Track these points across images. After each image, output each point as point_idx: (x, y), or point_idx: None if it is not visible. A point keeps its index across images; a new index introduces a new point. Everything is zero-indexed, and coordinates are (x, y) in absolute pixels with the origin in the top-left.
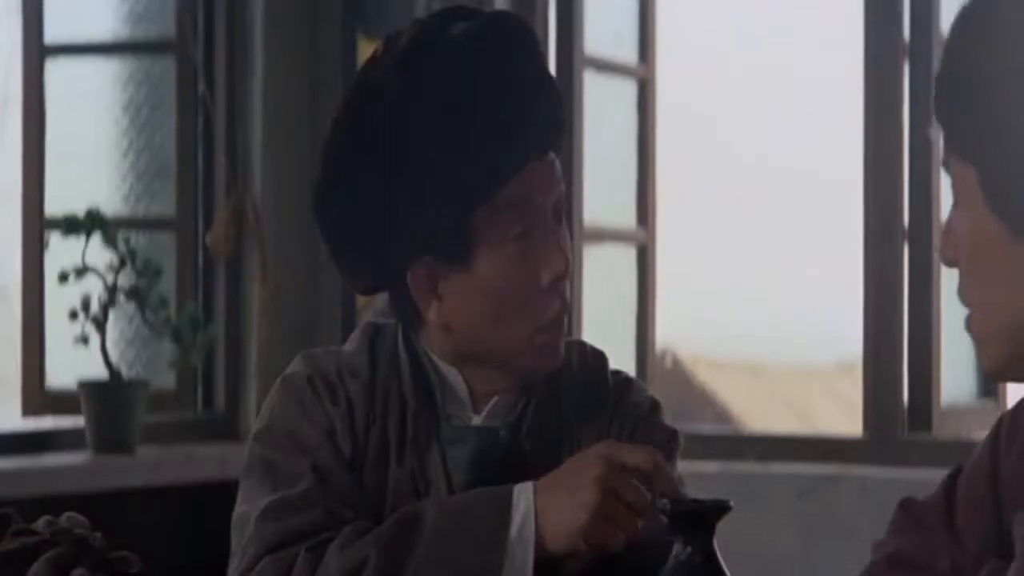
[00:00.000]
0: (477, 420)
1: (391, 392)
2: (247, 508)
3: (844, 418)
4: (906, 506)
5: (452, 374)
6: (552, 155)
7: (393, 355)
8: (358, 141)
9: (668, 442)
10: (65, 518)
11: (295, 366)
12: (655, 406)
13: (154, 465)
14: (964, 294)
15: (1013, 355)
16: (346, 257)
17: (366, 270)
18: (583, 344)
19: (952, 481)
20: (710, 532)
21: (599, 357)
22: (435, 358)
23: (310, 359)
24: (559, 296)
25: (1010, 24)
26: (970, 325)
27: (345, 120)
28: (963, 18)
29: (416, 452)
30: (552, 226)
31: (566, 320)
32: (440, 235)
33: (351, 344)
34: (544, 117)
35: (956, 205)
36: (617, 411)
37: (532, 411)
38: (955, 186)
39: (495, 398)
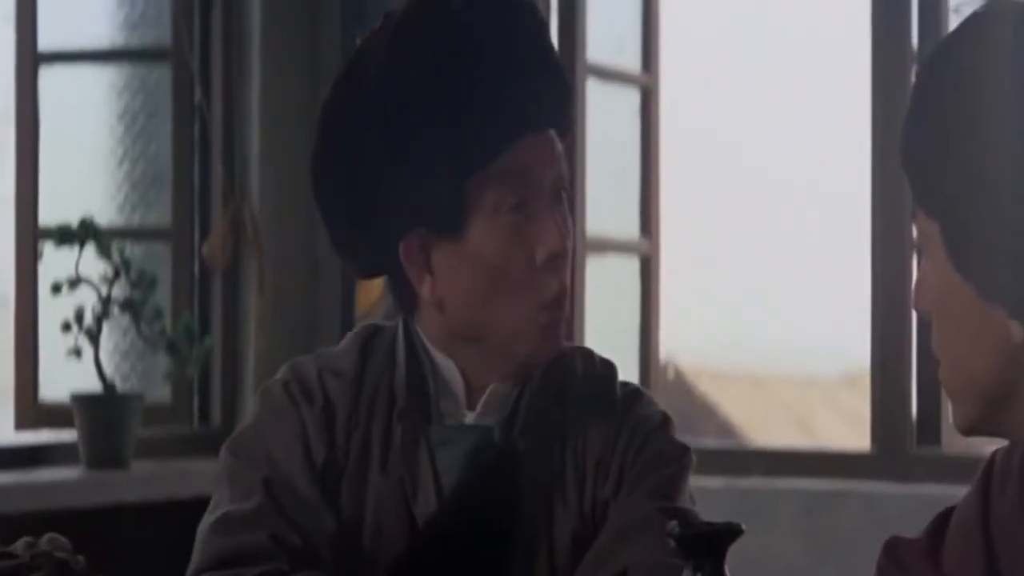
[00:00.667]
0: (470, 417)
1: (379, 392)
2: (206, 518)
3: (847, 430)
4: (890, 548)
5: (447, 366)
6: (552, 132)
7: (388, 353)
8: (353, 107)
9: (679, 458)
10: (46, 540)
11: (278, 374)
12: (665, 420)
13: (149, 480)
14: (935, 346)
15: (982, 412)
16: (343, 233)
17: (363, 246)
18: (591, 353)
19: (940, 523)
20: (721, 556)
21: (608, 367)
22: (431, 348)
23: (293, 365)
24: (556, 276)
25: (972, 84)
26: (941, 377)
27: (341, 86)
28: (928, 70)
29: (404, 457)
30: (550, 203)
31: (567, 305)
32: (432, 202)
33: (342, 344)
34: (543, 93)
35: (924, 256)
36: (626, 423)
37: (526, 404)
38: (920, 238)
39: (491, 386)
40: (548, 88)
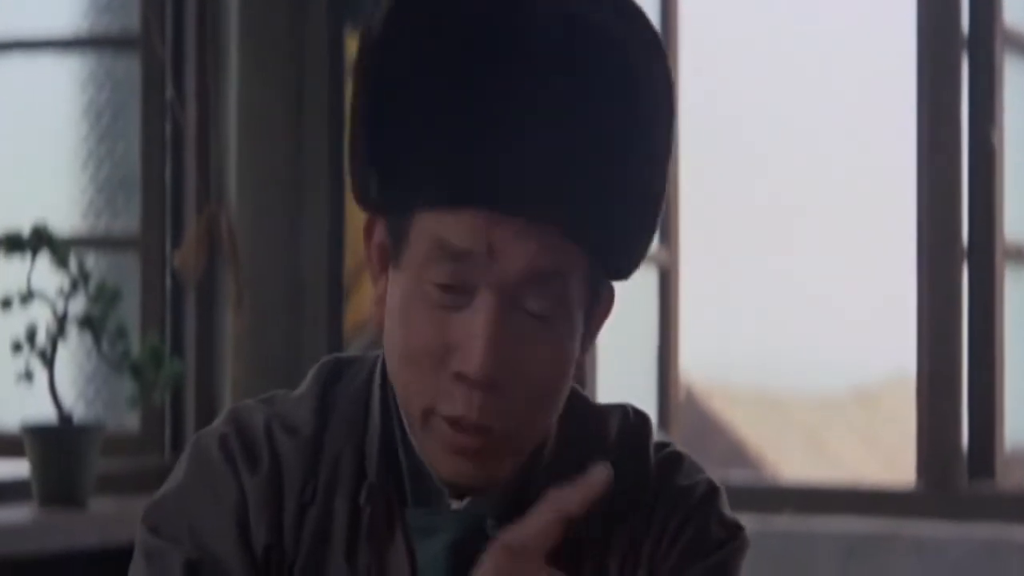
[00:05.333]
0: (457, 504)
1: (344, 457)
2: None
3: (860, 450)
4: None
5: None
6: (550, 231)
7: (358, 401)
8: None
9: (728, 540)
10: None
11: (216, 421)
12: (711, 492)
13: (109, 521)
14: None
15: None
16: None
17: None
18: (625, 409)
19: None
20: None
21: (642, 423)
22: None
23: (234, 411)
24: (468, 400)
25: None
26: None
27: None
28: None
29: (373, 547)
30: (501, 309)
31: (496, 450)
32: (385, 202)
33: (301, 387)
34: (546, 171)
35: None
36: (661, 499)
37: (534, 493)
38: None
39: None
40: (556, 172)
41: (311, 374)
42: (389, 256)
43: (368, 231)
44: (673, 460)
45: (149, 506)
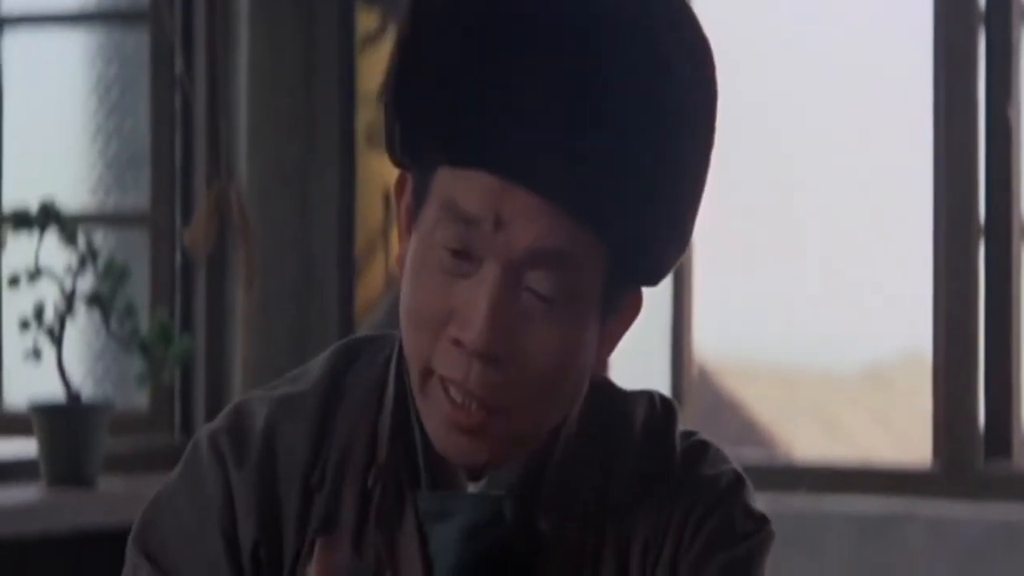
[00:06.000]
0: (474, 485)
1: (357, 441)
2: None
3: (872, 429)
4: None
5: None
6: (561, 211)
7: (375, 384)
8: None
9: (754, 532)
10: None
11: (218, 416)
12: (737, 482)
13: (118, 501)
14: None
15: None
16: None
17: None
18: (652, 396)
19: None
20: None
21: (668, 412)
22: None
23: (236, 405)
24: (468, 366)
25: None
26: None
27: None
28: None
29: (383, 532)
30: (506, 283)
31: (493, 434)
32: (413, 155)
33: (313, 368)
34: (561, 156)
35: None
36: (684, 489)
37: (555, 472)
38: None
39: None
40: (576, 154)
41: (326, 356)
42: (412, 215)
43: (398, 189)
44: (698, 449)
45: (141, 515)
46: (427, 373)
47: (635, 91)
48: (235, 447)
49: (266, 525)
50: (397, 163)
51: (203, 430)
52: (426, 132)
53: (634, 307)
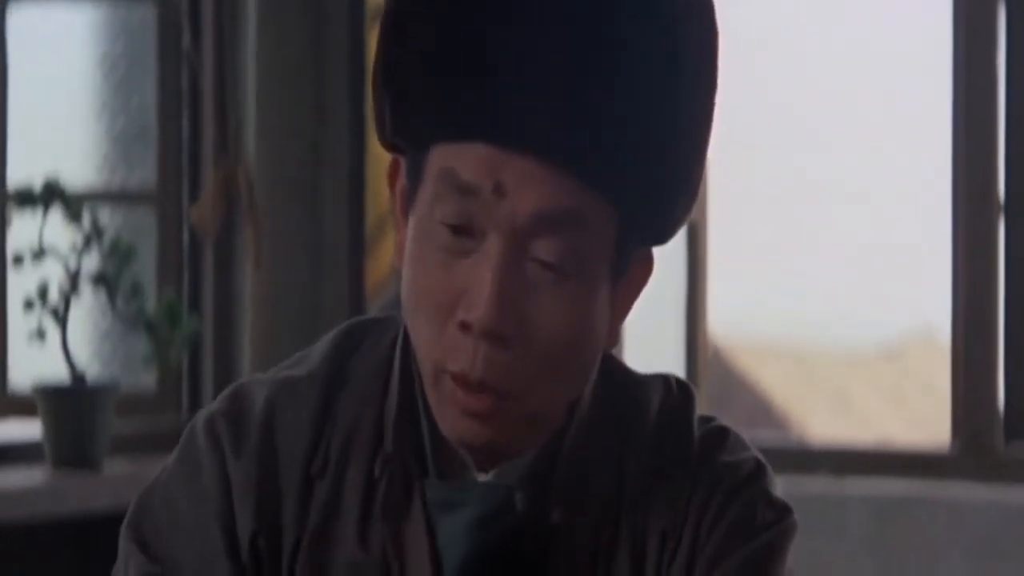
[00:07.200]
0: (483, 478)
1: (361, 425)
2: None
3: (885, 407)
4: None
5: None
6: (560, 169)
7: (380, 368)
8: None
9: (775, 524)
10: None
11: (216, 399)
12: (758, 470)
13: (124, 484)
14: None
15: None
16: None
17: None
18: (668, 381)
19: None
20: None
21: (685, 397)
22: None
23: (234, 389)
24: (474, 352)
25: None
26: None
27: None
28: None
29: (389, 523)
30: (512, 254)
31: (510, 416)
32: (407, 138)
33: (315, 354)
34: (550, 109)
35: None
36: (702, 477)
37: (567, 461)
38: None
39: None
40: (573, 110)
41: (328, 339)
42: (408, 199)
43: (391, 175)
44: (717, 436)
45: (135, 500)
46: (440, 371)
47: (634, 45)
48: (233, 433)
49: (265, 515)
50: (389, 147)
51: (200, 414)
52: (418, 109)
53: (645, 269)
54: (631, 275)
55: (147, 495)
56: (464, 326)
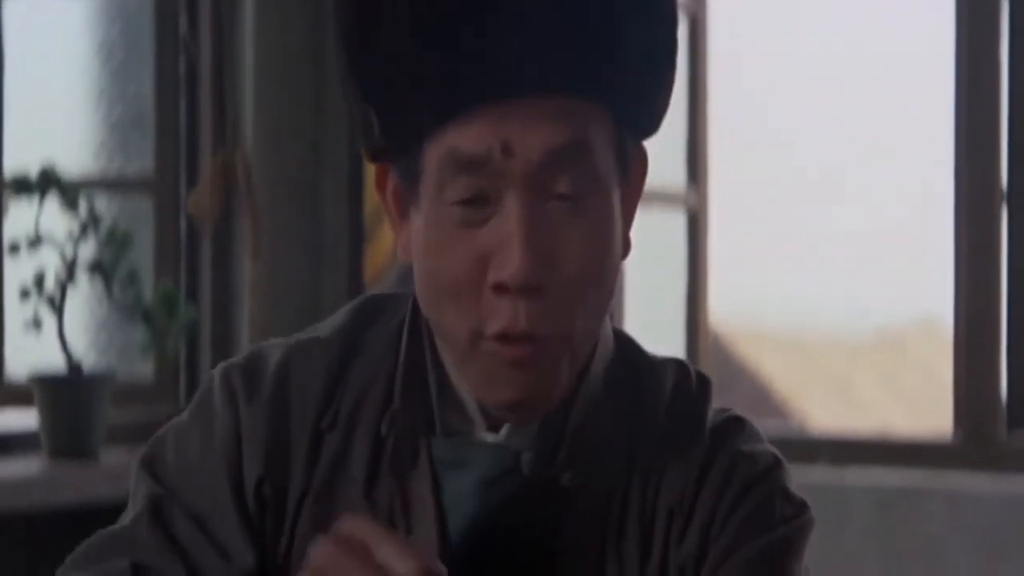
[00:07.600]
0: (492, 437)
1: (373, 388)
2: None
3: (885, 394)
4: None
5: (458, 376)
6: (557, 98)
7: (391, 336)
8: None
9: (792, 519)
10: None
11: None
12: (776, 464)
13: (121, 474)
14: None
15: None
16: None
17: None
18: (684, 366)
19: None
20: None
21: (703, 385)
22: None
23: (257, 347)
24: (515, 306)
25: None
26: None
27: None
28: None
29: (396, 479)
30: (529, 204)
31: (557, 347)
32: (395, 141)
33: (332, 320)
34: (542, 37)
35: None
36: (717, 461)
37: (576, 426)
38: None
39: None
40: (554, 32)
41: (348, 309)
42: (404, 200)
43: (380, 183)
44: (733, 424)
45: (156, 436)
46: (478, 337)
47: None
48: (248, 383)
49: (272, 461)
50: (376, 154)
51: (219, 366)
52: (405, 104)
53: (642, 164)
54: (632, 174)
55: (162, 437)
56: (499, 287)
